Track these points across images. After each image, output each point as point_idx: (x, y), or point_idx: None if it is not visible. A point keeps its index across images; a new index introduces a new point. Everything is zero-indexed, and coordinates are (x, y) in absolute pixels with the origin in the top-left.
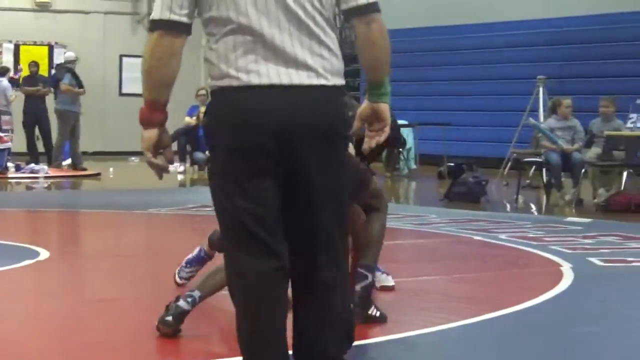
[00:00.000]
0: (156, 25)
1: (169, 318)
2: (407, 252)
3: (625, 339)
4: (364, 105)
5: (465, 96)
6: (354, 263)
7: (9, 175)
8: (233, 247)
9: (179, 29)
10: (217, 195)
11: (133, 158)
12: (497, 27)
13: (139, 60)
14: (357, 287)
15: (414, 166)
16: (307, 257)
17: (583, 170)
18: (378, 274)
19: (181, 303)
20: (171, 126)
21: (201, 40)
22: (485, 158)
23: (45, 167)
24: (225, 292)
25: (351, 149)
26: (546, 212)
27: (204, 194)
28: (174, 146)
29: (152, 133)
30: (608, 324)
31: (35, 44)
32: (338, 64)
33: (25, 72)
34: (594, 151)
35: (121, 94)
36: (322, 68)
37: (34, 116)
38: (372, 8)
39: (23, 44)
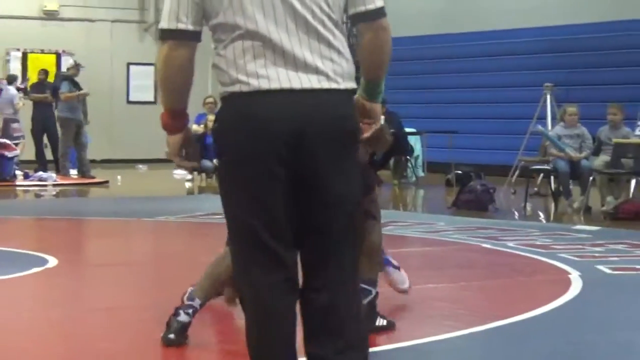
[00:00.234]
0: (166, 35)
1: (171, 336)
2: (415, 260)
3: (634, 347)
4: (356, 100)
5: (473, 104)
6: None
7: (17, 183)
8: (242, 257)
9: (188, 38)
10: (227, 203)
11: (141, 166)
12: (505, 34)
13: (146, 68)
14: (363, 302)
15: (421, 174)
16: (318, 260)
17: (591, 178)
18: (390, 270)
19: (182, 317)
20: None
21: (210, 46)
22: (493, 166)
23: (54, 174)
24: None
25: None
26: (554, 219)
27: (212, 202)
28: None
29: (177, 138)
30: (617, 332)
31: (42, 52)
32: (348, 67)
33: (33, 79)
34: (602, 159)
35: (129, 102)
36: (333, 71)
37: (42, 124)
38: (380, 13)
39: (31, 52)
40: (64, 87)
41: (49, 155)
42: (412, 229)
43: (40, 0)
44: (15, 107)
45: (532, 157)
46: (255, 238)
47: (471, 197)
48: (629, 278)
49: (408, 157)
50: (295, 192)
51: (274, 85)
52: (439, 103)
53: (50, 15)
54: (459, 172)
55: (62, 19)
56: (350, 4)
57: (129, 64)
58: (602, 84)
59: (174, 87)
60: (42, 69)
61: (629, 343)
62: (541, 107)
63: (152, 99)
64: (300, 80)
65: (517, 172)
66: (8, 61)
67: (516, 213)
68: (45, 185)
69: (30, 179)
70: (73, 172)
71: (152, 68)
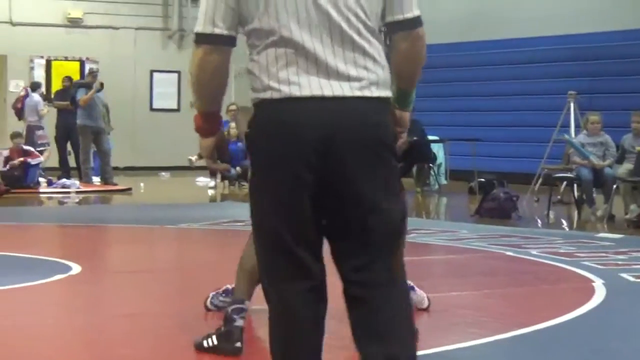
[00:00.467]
0: (201, 39)
1: (239, 344)
2: (438, 268)
3: None
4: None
5: (495, 111)
6: None
7: (41, 190)
8: (267, 262)
9: (224, 42)
10: (255, 209)
11: (163, 173)
12: (528, 42)
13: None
14: None
15: (444, 182)
16: (362, 265)
17: (615, 186)
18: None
19: (238, 322)
20: None
21: (235, 53)
22: (516, 174)
23: (77, 182)
24: (254, 307)
25: None
26: (578, 227)
27: (235, 209)
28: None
29: (209, 141)
30: None
31: (66, 59)
32: (384, 75)
33: (57, 86)
34: (626, 167)
35: (152, 109)
36: (367, 79)
37: (65, 131)
38: (417, 22)
39: (55, 60)
40: (79, 94)
41: (72, 162)
42: (435, 237)
43: (65, 8)
44: (39, 114)
45: (555, 165)
46: (279, 243)
47: (494, 205)
48: None
49: (431, 164)
50: (325, 199)
51: (305, 92)
52: (462, 111)
53: (74, 23)
54: (482, 180)
55: (86, 27)
56: (387, 11)
57: (152, 72)
58: (626, 92)
59: (208, 91)
60: (66, 76)
61: None
62: (564, 115)
63: (175, 106)
64: (331, 87)
65: (540, 180)
66: (32, 68)
67: (539, 221)
68: (69, 193)
69: (54, 186)
70: (96, 179)
71: (175, 75)
